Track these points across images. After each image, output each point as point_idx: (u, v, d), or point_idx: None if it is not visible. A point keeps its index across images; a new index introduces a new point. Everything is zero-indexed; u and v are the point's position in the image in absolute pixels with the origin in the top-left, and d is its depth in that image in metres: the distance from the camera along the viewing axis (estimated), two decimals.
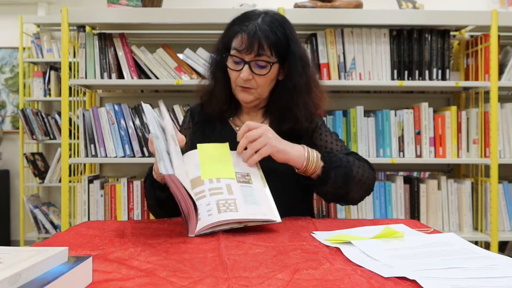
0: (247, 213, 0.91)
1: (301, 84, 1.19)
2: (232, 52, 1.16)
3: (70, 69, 2.12)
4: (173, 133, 0.97)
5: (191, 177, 0.99)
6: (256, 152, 1.03)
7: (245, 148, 1.05)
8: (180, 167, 0.93)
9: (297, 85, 1.19)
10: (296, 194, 1.20)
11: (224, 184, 0.96)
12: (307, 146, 1.13)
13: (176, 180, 0.84)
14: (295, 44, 1.19)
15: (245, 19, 1.17)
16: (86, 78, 2.09)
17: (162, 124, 0.99)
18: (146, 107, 0.97)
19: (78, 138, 2.13)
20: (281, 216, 1.06)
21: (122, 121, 2.07)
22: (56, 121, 3.73)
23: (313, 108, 1.22)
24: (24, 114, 3.63)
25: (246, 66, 1.15)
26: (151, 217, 1.76)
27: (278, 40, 1.15)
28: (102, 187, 2.07)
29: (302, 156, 1.06)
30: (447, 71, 2.08)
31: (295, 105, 1.19)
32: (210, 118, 1.28)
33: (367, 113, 2.12)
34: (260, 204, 0.95)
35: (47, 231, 3.59)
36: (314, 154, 1.08)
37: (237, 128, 1.26)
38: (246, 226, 0.91)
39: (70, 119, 2.35)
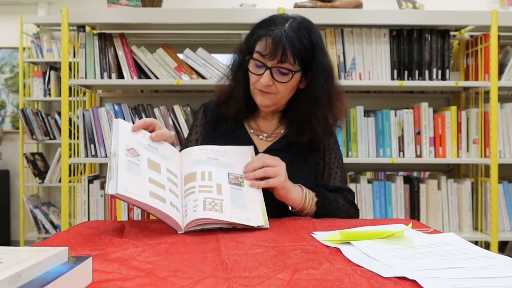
0: (230, 216, 0.91)
1: (322, 96, 1.16)
2: (255, 55, 1.13)
3: (70, 69, 2.12)
4: (149, 142, 0.99)
5: (186, 173, 1.00)
6: (264, 179, 1.04)
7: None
8: (170, 159, 1.00)
9: (318, 97, 1.16)
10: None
11: (215, 183, 0.97)
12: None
13: (123, 197, 0.83)
14: (320, 54, 1.14)
15: (271, 23, 1.13)
16: (86, 78, 2.09)
17: (134, 137, 0.97)
18: (116, 122, 0.95)
19: (78, 138, 2.13)
20: (280, 216, 1.06)
21: None
22: (56, 121, 3.73)
23: (333, 120, 1.21)
24: (24, 114, 3.64)
25: (267, 72, 1.11)
26: (151, 217, 1.76)
27: (303, 48, 1.10)
28: (102, 187, 2.07)
29: (300, 200, 1.10)
30: (447, 71, 2.08)
31: (315, 117, 1.16)
32: (224, 117, 1.26)
33: (367, 113, 2.12)
34: (247, 208, 0.95)
35: (47, 231, 3.60)
36: (310, 199, 1.12)
37: (252, 131, 1.25)
38: (234, 227, 0.92)
39: (70, 119, 2.35)
